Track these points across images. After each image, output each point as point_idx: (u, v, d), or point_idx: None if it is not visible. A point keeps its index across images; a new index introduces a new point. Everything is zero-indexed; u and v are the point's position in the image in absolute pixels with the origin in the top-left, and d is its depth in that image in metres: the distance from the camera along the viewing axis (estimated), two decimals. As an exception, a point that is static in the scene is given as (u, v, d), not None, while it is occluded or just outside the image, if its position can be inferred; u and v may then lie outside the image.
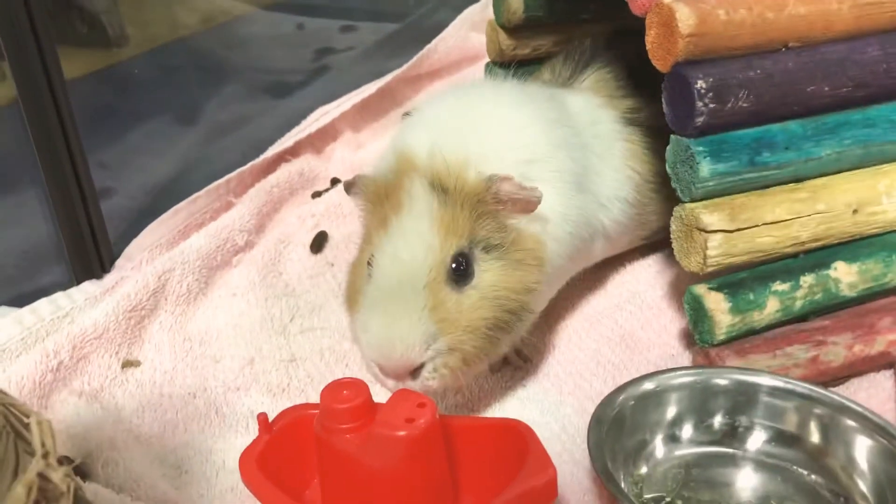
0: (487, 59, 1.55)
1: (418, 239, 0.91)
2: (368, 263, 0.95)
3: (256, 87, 2.00)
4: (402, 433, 0.81)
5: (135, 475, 0.93)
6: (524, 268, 0.95)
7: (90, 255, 1.34)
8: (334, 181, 1.63)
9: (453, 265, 0.91)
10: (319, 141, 1.74)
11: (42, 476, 0.58)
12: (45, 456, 0.60)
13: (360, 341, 0.94)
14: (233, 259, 1.38)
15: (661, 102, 1.18)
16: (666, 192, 1.19)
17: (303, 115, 1.83)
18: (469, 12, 2.19)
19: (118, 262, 1.35)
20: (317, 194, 1.59)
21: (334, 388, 0.87)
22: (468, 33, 2.14)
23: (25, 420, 0.66)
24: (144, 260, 1.33)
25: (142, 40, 1.69)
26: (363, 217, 1.03)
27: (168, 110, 1.75)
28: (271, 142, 1.71)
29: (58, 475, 0.59)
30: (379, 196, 0.98)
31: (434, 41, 2.03)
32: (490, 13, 1.49)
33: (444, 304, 0.89)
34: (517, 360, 1.12)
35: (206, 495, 0.94)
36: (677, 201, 1.20)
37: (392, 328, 0.89)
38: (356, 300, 0.96)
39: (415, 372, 0.90)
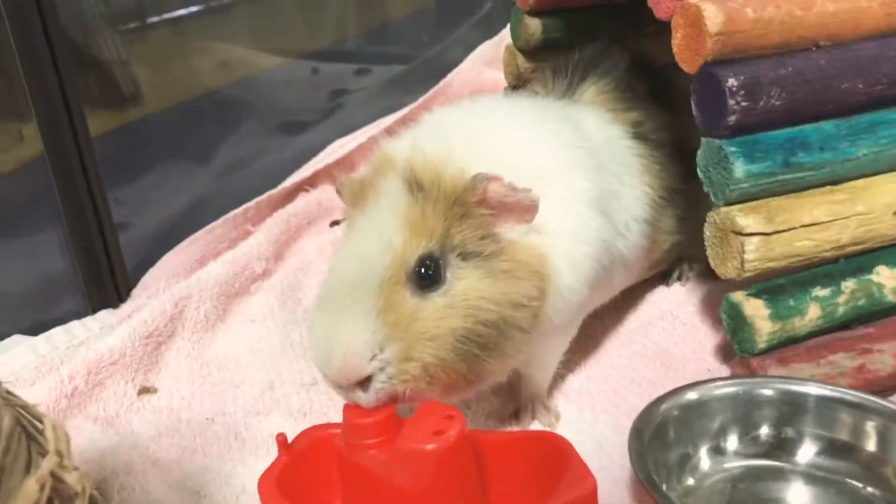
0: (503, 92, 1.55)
1: (377, 236, 0.82)
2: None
3: (272, 128, 2.00)
4: (430, 446, 0.76)
5: (152, 500, 0.89)
6: (511, 280, 0.83)
7: (106, 285, 1.32)
8: (353, 211, 1.61)
9: (419, 269, 0.80)
10: (337, 172, 1.72)
11: (56, 477, 0.54)
12: (60, 457, 0.56)
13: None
14: (251, 287, 1.35)
15: (662, 115, 1.17)
16: (673, 209, 1.16)
17: (319, 151, 1.83)
18: (482, 49, 2.20)
19: (134, 292, 1.33)
20: (335, 223, 1.57)
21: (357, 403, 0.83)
22: (482, 69, 2.14)
23: (39, 426, 0.63)
24: (161, 289, 1.30)
25: (159, 97, 1.70)
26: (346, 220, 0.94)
27: (185, 151, 1.75)
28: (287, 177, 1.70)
29: (72, 476, 0.56)
30: (355, 197, 0.89)
31: (450, 75, 2.04)
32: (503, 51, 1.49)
33: (398, 308, 0.79)
34: (546, 417, 1.02)
35: (226, 520, 0.89)
36: (688, 217, 1.17)
37: (334, 333, 0.79)
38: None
39: (363, 383, 0.79)
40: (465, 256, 0.82)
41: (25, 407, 0.62)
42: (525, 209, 0.84)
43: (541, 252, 0.86)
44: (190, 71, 1.86)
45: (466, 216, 0.83)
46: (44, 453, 0.58)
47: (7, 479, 0.50)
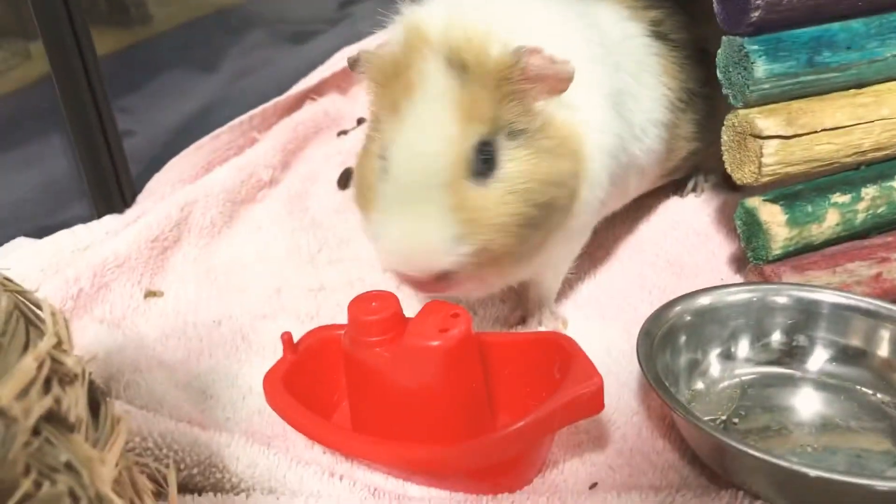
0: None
1: (436, 128, 0.80)
2: (382, 156, 0.84)
3: (280, 38, 1.95)
4: (435, 343, 0.75)
5: (158, 397, 0.88)
6: (553, 158, 0.83)
7: (112, 191, 1.31)
8: (360, 121, 1.58)
9: (478, 157, 0.80)
10: (344, 82, 1.69)
11: (54, 359, 0.53)
12: (58, 339, 0.55)
13: (377, 247, 0.84)
14: (257, 194, 1.33)
15: (682, 15, 1.13)
16: (691, 114, 1.13)
17: (327, 60, 1.79)
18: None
19: (139, 198, 1.32)
20: (343, 133, 1.54)
21: (363, 300, 0.81)
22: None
23: (39, 312, 0.62)
24: (166, 194, 1.28)
25: (167, 14, 1.66)
26: (371, 99, 0.90)
27: (192, 61, 1.72)
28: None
29: (71, 359, 0.55)
30: (387, 75, 0.85)
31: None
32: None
33: (468, 203, 0.79)
34: (554, 322, 1.02)
35: (232, 418, 0.89)
36: (706, 124, 1.14)
37: (413, 234, 0.80)
38: (370, 198, 0.85)
39: (440, 279, 0.81)
40: (512, 135, 0.82)
41: (23, 293, 0.60)
42: (560, 79, 0.83)
43: (573, 129, 0.86)
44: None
45: (511, 93, 0.82)
46: (42, 337, 0.57)
47: (3, 358, 0.49)
